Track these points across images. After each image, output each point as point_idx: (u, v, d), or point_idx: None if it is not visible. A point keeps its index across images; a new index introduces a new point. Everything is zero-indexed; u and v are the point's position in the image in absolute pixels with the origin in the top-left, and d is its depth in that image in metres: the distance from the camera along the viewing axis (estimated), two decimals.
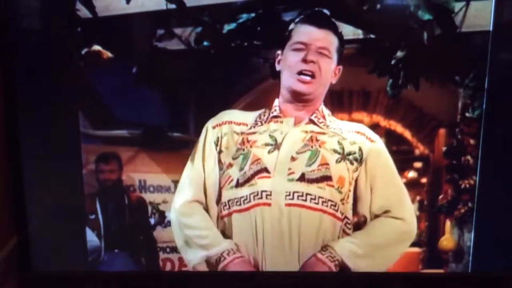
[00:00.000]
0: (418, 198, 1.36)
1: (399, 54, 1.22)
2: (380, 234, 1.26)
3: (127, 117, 1.32)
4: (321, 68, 1.20)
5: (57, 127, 1.31)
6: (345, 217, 1.25)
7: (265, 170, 1.22)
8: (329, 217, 1.22)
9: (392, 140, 1.31)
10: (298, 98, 1.24)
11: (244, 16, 1.22)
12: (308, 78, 1.21)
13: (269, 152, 1.23)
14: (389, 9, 1.22)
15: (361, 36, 1.23)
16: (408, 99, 1.27)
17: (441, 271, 1.37)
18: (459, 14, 1.19)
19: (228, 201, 1.25)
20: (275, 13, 1.22)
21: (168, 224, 1.36)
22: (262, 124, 1.25)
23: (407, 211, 1.27)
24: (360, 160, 1.24)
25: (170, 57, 1.26)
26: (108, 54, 1.25)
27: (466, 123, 1.27)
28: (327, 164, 1.21)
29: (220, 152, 1.27)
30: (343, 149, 1.23)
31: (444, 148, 1.31)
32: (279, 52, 1.23)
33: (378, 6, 1.19)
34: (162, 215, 1.37)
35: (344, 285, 1.34)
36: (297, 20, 1.21)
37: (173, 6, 1.21)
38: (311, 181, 1.21)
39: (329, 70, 1.22)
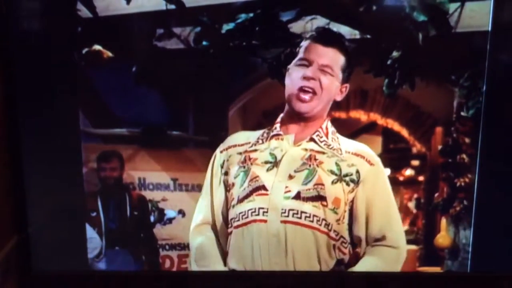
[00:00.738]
0: (415, 196, 1.38)
1: (395, 54, 1.24)
2: (379, 261, 1.27)
3: (127, 116, 1.33)
4: (323, 86, 1.21)
5: (57, 125, 1.32)
6: (341, 236, 1.25)
7: (263, 187, 1.24)
8: (321, 235, 1.23)
9: (389, 138, 1.33)
10: (298, 116, 1.25)
11: (243, 16, 1.24)
12: (307, 97, 1.22)
13: (267, 170, 1.25)
14: (385, 10, 1.23)
15: (358, 36, 1.25)
16: (405, 98, 1.29)
17: (440, 270, 1.39)
18: (454, 14, 1.21)
19: (231, 219, 1.28)
20: (273, 13, 1.24)
21: (168, 221, 1.39)
22: (263, 142, 1.27)
23: (401, 238, 1.29)
24: (357, 182, 1.25)
25: (169, 56, 1.28)
26: (108, 53, 1.27)
27: (461, 122, 1.29)
28: (322, 184, 1.23)
29: (225, 173, 1.30)
30: (340, 170, 1.24)
31: (439, 147, 1.33)
32: (289, 67, 1.25)
33: (374, 7, 1.21)
34: (161, 212, 1.39)
35: (343, 284, 1.37)
36: (307, 36, 1.23)
37: (172, 6, 1.23)
38: (306, 199, 1.23)
39: (332, 88, 1.23)
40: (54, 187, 1.36)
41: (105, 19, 1.26)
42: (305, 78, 1.21)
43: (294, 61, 1.24)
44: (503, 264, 1.37)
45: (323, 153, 1.25)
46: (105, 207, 1.39)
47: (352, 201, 1.25)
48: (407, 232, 1.39)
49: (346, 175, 1.24)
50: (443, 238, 1.37)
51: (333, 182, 1.23)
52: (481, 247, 1.36)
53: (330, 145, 1.26)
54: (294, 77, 1.22)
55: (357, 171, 1.25)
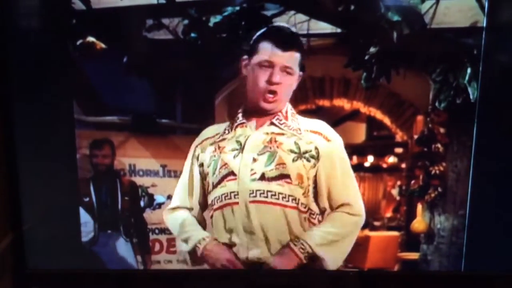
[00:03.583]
0: (398, 183, 1.50)
1: (372, 50, 1.35)
2: (341, 225, 1.42)
3: (118, 104, 1.43)
4: (285, 86, 1.37)
5: (52, 118, 1.42)
6: (309, 208, 1.41)
7: (232, 173, 1.40)
8: (290, 210, 1.39)
9: (373, 126, 1.46)
10: (263, 112, 1.40)
11: (229, 10, 1.34)
12: (272, 96, 1.36)
13: (234, 157, 1.40)
14: (362, 10, 1.33)
15: (339, 30, 1.35)
16: (387, 87, 1.39)
17: (418, 254, 1.51)
18: (429, 11, 1.31)
19: (210, 204, 1.44)
20: (258, 7, 1.35)
21: (157, 206, 1.50)
22: (229, 132, 1.42)
23: (361, 206, 1.43)
24: (317, 158, 1.39)
25: (159, 47, 1.39)
26: (101, 45, 1.38)
27: (437, 113, 1.40)
28: (284, 163, 1.38)
29: (201, 165, 1.44)
30: (299, 148, 1.39)
31: (416, 136, 1.44)
32: (245, 57, 1.38)
33: (352, 7, 1.32)
34: (151, 198, 1.50)
35: (338, 283, 1.49)
36: (262, 32, 1.36)
37: (162, 1, 1.34)
38: (271, 179, 1.39)
39: (292, 84, 1.38)
40: (48, 183, 1.44)
41: (98, 11, 1.35)
42: (270, 83, 1.35)
43: (255, 60, 1.37)
44: (497, 264, 1.47)
45: (283, 134, 1.40)
46: (98, 192, 1.49)
47: (316, 176, 1.39)
48: (390, 219, 1.53)
49: (306, 152, 1.38)
50: (419, 223, 1.49)
51: (293, 160, 1.39)
52: (474, 246, 1.45)
53: (290, 126, 1.40)
54: (257, 78, 1.36)
55: (316, 148, 1.39)
